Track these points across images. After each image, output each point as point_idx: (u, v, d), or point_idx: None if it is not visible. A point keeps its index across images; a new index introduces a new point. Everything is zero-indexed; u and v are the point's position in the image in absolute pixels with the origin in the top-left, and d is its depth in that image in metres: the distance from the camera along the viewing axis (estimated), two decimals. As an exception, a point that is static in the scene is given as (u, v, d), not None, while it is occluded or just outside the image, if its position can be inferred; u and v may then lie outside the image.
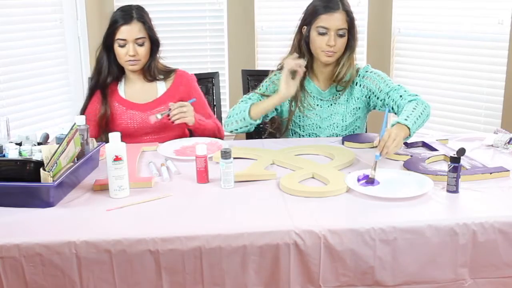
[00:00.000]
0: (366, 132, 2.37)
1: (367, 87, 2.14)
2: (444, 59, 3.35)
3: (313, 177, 1.69)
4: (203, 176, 1.66)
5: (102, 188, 1.60)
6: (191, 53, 3.65)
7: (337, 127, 2.19)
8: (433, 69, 3.40)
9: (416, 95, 2.01)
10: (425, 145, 1.99)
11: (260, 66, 3.68)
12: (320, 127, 2.20)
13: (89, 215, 1.45)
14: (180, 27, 3.63)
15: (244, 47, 3.65)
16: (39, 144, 1.76)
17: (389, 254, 1.35)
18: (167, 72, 2.26)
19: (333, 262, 1.35)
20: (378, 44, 3.55)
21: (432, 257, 1.37)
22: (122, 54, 2.12)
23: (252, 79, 2.56)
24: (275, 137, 2.28)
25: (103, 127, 2.19)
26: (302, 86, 2.13)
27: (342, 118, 2.18)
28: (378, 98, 2.11)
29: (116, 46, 2.12)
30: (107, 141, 1.58)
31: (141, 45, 2.12)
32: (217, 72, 2.64)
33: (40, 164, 1.50)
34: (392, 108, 2.05)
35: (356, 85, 2.15)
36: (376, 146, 1.71)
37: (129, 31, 2.09)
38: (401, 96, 2.02)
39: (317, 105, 2.18)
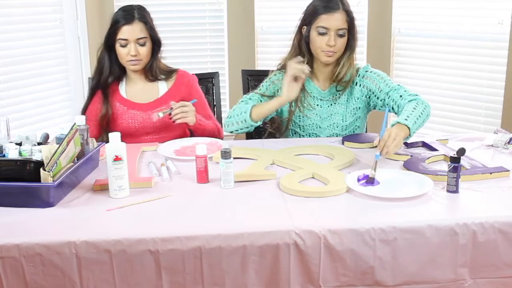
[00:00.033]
0: (366, 132, 2.37)
1: (367, 87, 2.14)
2: (444, 59, 3.35)
3: (313, 177, 1.69)
4: (203, 176, 1.66)
5: (102, 188, 1.60)
6: (191, 53, 3.65)
7: (337, 127, 2.19)
8: (433, 69, 3.40)
9: (416, 95, 2.01)
10: (425, 145, 1.99)
11: (260, 66, 3.68)
12: (320, 127, 2.20)
13: (89, 215, 1.45)
14: (180, 27, 3.63)
15: (244, 47, 3.65)
16: (39, 144, 1.76)
17: (389, 254, 1.35)
18: (169, 72, 2.26)
19: (333, 262, 1.35)
20: (378, 44, 3.55)
21: (432, 257, 1.37)
22: (124, 54, 2.12)
23: (252, 79, 2.56)
24: (275, 137, 2.28)
25: (104, 127, 2.19)
26: (302, 86, 2.13)
27: (342, 118, 2.18)
28: (378, 98, 2.11)
29: (117, 46, 2.12)
30: (108, 141, 1.58)
31: (143, 45, 2.12)
32: (217, 72, 2.64)
33: (40, 164, 1.50)
34: (392, 108, 2.04)
35: (356, 85, 2.15)
36: (376, 146, 1.71)
37: (131, 31, 2.09)
38: (401, 96, 2.02)
39: (317, 105, 2.18)
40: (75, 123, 1.66)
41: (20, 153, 1.66)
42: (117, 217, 1.43)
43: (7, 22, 3.01)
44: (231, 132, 2.15)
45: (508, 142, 1.94)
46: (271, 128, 2.28)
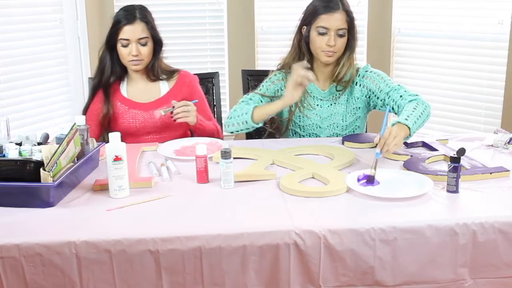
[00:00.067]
0: (366, 132, 2.37)
1: (367, 87, 2.14)
2: (444, 59, 3.35)
3: (313, 177, 1.69)
4: (203, 176, 1.66)
5: (102, 188, 1.60)
6: (191, 53, 3.65)
7: (337, 127, 2.19)
8: (433, 69, 3.40)
9: (416, 95, 2.01)
10: (425, 145, 1.99)
11: (260, 66, 3.68)
12: (320, 127, 2.20)
13: (89, 215, 1.45)
14: (180, 27, 3.63)
15: (244, 47, 3.65)
16: (39, 144, 1.76)
17: (389, 254, 1.35)
18: (170, 72, 2.26)
19: (333, 262, 1.35)
20: (378, 44, 3.55)
21: (432, 257, 1.37)
22: (125, 54, 2.12)
23: (252, 79, 2.56)
24: (275, 137, 2.28)
25: (105, 127, 2.19)
26: (302, 87, 2.13)
27: (342, 118, 2.18)
28: (378, 98, 2.11)
29: (119, 46, 2.12)
30: (108, 140, 1.58)
31: (144, 45, 2.12)
32: (217, 72, 2.64)
33: (40, 164, 1.50)
34: (392, 108, 2.04)
35: (356, 85, 2.15)
36: (376, 145, 1.71)
37: (132, 31, 2.09)
38: (401, 96, 2.02)
39: (317, 105, 2.18)
40: (75, 123, 1.66)
41: (20, 153, 1.66)
42: (117, 217, 1.43)
43: (7, 22, 3.01)
44: (232, 132, 2.15)
45: (508, 142, 1.94)
46: (271, 128, 2.28)
